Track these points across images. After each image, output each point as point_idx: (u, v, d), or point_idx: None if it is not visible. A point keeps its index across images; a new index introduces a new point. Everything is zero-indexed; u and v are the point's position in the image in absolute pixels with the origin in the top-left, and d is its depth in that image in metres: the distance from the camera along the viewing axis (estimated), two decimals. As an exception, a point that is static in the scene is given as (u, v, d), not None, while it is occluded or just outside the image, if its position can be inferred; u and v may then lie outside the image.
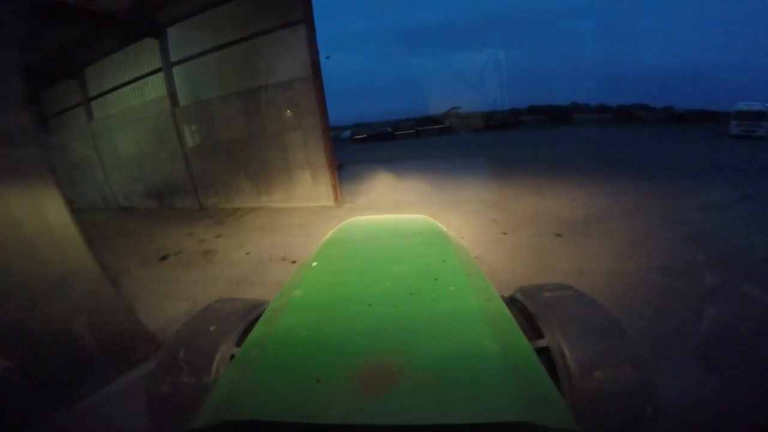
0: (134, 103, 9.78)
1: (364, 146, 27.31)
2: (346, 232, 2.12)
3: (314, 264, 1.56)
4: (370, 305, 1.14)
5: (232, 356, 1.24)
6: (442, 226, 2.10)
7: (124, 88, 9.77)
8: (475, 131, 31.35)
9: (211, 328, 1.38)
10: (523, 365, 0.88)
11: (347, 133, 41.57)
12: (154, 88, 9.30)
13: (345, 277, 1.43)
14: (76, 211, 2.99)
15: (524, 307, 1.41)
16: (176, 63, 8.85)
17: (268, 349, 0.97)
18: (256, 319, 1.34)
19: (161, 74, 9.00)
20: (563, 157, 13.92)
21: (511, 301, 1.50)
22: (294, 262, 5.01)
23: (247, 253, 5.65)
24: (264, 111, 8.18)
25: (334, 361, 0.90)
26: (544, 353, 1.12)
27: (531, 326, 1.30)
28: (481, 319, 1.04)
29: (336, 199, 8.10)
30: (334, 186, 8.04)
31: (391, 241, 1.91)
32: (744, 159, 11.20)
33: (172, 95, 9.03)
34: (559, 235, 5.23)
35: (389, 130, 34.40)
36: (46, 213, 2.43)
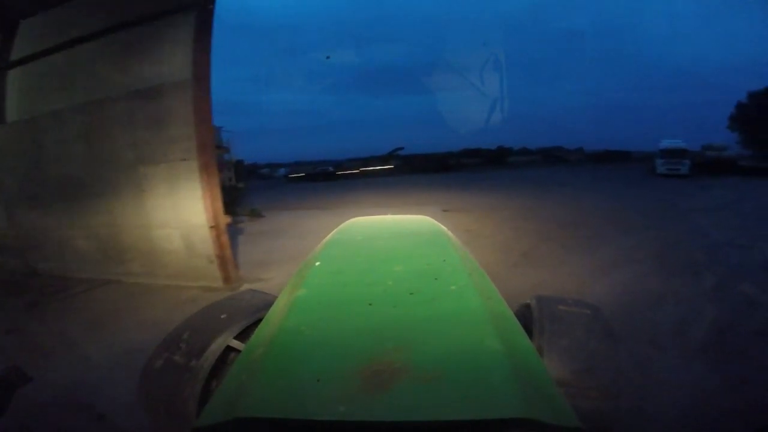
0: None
1: (300, 187, 24.34)
2: (348, 232, 2.17)
3: (317, 264, 1.58)
4: (370, 305, 1.16)
5: (228, 347, 1.41)
6: (443, 227, 2.14)
7: None
8: (417, 173, 30.26)
9: (222, 317, 1.53)
10: (524, 363, 0.90)
11: (283, 171, 38.50)
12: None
13: (346, 276, 1.44)
14: None
15: (530, 313, 1.52)
16: (14, 64, 5.80)
17: (273, 348, 0.98)
18: (262, 316, 1.35)
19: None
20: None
21: (525, 307, 1.62)
22: None
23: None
24: (114, 133, 5.10)
25: (338, 360, 0.91)
26: None
27: (528, 332, 1.25)
28: (482, 317, 1.05)
29: (226, 278, 5.01)
30: (221, 257, 4.94)
31: (391, 241, 1.93)
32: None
33: (-3, 109, 5.71)
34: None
35: (331, 169, 32.44)
36: None
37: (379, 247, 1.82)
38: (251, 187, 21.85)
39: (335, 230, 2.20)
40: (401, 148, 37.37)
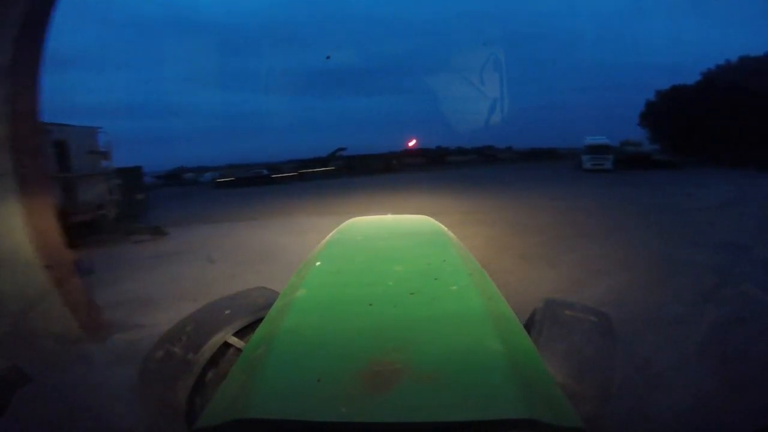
0: None
1: (227, 194, 21.57)
2: (348, 232, 2.15)
3: (317, 264, 1.57)
4: (371, 305, 1.15)
5: (225, 343, 1.40)
6: (443, 227, 2.14)
7: None
8: (360, 174, 28.98)
9: (226, 312, 1.54)
10: (526, 363, 0.90)
11: (209, 175, 34.55)
12: None
13: (347, 277, 1.43)
14: None
15: (533, 315, 1.55)
16: None
17: (273, 349, 0.96)
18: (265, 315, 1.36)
19: None
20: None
21: (534, 310, 1.62)
22: None
23: None
24: None
25: (339, 360, 0.90)
26: None
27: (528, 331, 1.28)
28: (483, 318, 1.04)
29: (85, 327, 3.43)
30: (69, 302, 3.35)
31: (392, 241, 1.91)
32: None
33: None
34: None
35: (265, 172, 29.75)
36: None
37: (379, 247, 1.80)
38: (167, 196, 18.75)
39: (335, 230, 2.18)
40: (343, 149, 35.71)
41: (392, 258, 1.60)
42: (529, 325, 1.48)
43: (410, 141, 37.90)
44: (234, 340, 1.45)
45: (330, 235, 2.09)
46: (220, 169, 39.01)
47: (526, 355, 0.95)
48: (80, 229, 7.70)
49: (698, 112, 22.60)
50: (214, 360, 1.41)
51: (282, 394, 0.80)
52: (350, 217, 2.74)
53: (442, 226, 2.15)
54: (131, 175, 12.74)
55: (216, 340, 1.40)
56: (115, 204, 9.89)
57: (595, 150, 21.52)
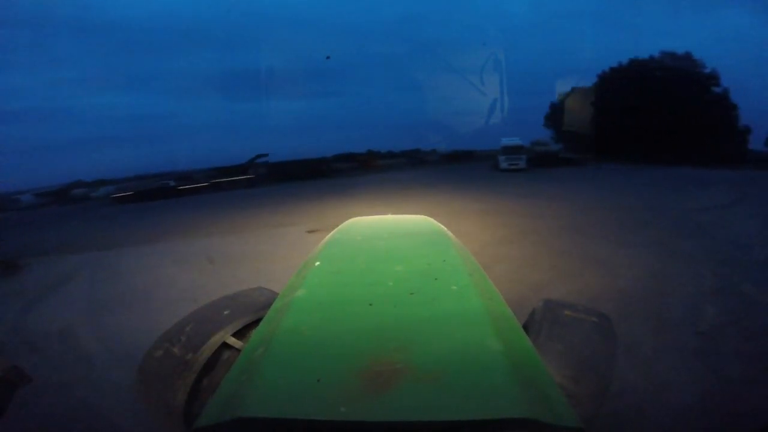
0: None
1: (123, 210, 18.30)
2: (348, 232, 2.15)
3: (317, 264, 1.56)
4: (371, 305, 1.15)
5: (224, 344, 1.40)
6: (443, 227, 2.16)
7: None
8: (285, 181, 27.16)
9: (225, 312, 1.53)
10: (525, 363, 0.90)
11: (105, 190, 29.45)
12: None
13: (347, 276, 1.43)
14: None
15: (532, 315, 1.56)
16: None
17: (272, 348, 0.96)
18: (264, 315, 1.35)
19: None
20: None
21: (533, 310, 1.62)
22: None
23: None
24: None
25: (338, 360, 0.90)
26: None
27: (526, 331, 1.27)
28: (482, 318, 1.05)
29: None
30: None
31: (392, 241, 1.90)
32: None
33: None
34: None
35: (171, 184, 26.20)
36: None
37: (379, 247, 1.79)
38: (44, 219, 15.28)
39: (335, 230, 2.19)
40: (265, 155, 33.26)
41: (392, 258, 1.59)
42: (528, 325, 1.48)
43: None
44: (233, 341, 1.43)
45: (330, 234, 2.10)
46: (125, 181, 34.19)
47: (525, 354, 0.95)
48: None
49: (595, 111, 25.66)
50: (213, 360, 1.38)
51: (281, 393, 0.80)
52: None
53: (442, 226, 2.16)
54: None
55: (214, 340, 1.38)
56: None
57: (510, 150, 22.96)
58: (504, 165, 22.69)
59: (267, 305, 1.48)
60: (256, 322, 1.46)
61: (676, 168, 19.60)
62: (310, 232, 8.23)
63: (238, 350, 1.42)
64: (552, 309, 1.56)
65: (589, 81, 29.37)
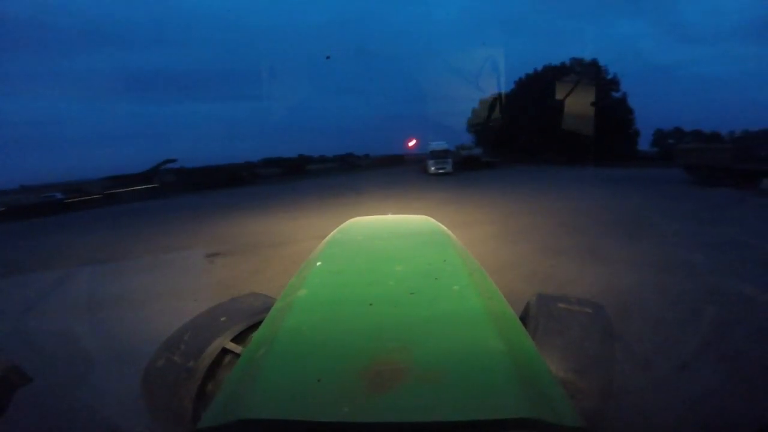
0: None
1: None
2: (348, 232, 2.13)
3: (318, 264, 1.58)
4: (371, 305, 1.15)
5: (224, 349, 1.41)
6: (444, 227, 2.15)
7: None
8: (196, 190, 24.39)
9: (222, 319, 1.55)
10: (526, 363, 0.90)
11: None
12: None
13: (347, 277, 1.44)
14: None
15: (528, 310, 1.55)
16: None
17: (274, 349, 0.96)
18: (261, 319, 1.37)
19: None
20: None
21: (527, 305, 1.62)
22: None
23: None
24: None
25: (340, 360, 0.90)
26: None
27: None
28: (483, 317, 1.05)
29: None
30: None
31: (392, 241, 1.92)
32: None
33: None
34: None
35: (58, 197, 21.96)
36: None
37: (379, 247, 1.80)
38: None
39: (336, 230, 2.18)
40: (172, 161, 29.54)
41: (393, 258, 1.60)
42: (524, 321, 1.44)
43: (410, 141, 32.69)
44: (232, 346, 1.44)
45: (330, 235, 2.09)
46: (10, 193, 27.92)
47: (527, 354, 0.94)
48: None
49: (510, 116, 27.56)
50: (215, 366, 1.38)
51: (283, 394, 0.80)
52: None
53: (443, 226, 2.17)
54: None
55: (214, 346, 1.39)
56: None
57: (438, 155, 23.50)
58: (432, 169, 23.15)
59: (263, 310, 1.52)
60: (253, 327, 1.49)
61: (580, 168, 21.74)
62: (210, 256, 6.91)
63: (238, 355, 1.41)
64: (546, 303, 1.54)
65: (508, 87, 31.66)
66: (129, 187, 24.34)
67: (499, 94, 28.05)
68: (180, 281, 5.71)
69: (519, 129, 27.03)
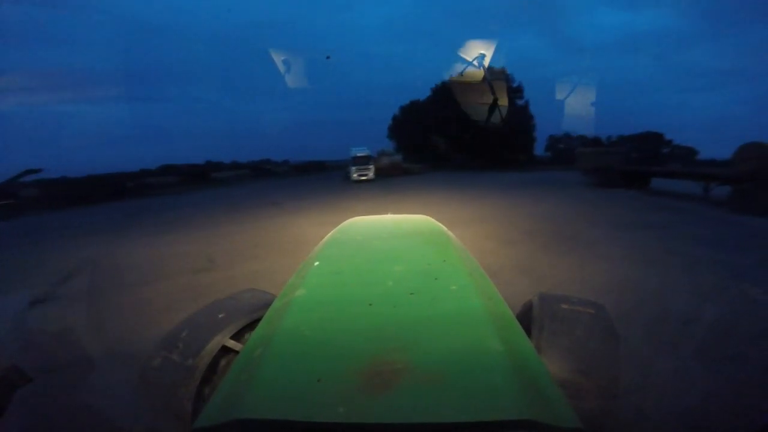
0: None
1: None
2: (347, 232, 2.13)
3: (316, 264, 1.56)
4: (370, 305, 1.15)
5: (224, 347, 1.39)
6: (443, 227, 2.15)
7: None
8: (66, 207, 19.58)
9: (220, 316, 1.51)
10: (525, 364, 0.89)
11: None
12: None
13: (346, 277, 1.43)
14: None
15: (530, 311, 1.50)
16: None
17: (272, 349, 0.96)
18: (261, 316, 1.36)
19: None
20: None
21: (527, 305, 1.59)
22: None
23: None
24: None
25: (338, 361, 0.89)
26: None
27: (525, 329, 1.26)
28: (482, 318, 1.05)
29: None
30: None
31: (391, 241, 1.91)
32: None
33: None
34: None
35: None
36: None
37: (378, 247, 1.79)
38: None
39: (335, 230, 2.17)
40: (35, 171, 23.24)
41: (392, 258, 1.59)
42: (527, 322, 1.43)
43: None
44: (232, 344, 1.42)
45: (329, 234, 2.08)
46: None
47: (525, 355, 0.93)
48: None
49: (428, 123, 28.02)
50: (214, 365, 1.37)
51: (281, 394, 0.80)
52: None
53: (442, 226, 2.16)
54: None
55: (214, 344, 1.37)
56: None
57: (360, 161, 22.56)
58: (354, 176, 22.12)
59: (262, 306, 1.51)
60: (252, 324, 1.45)
61: (495, 173, 22.94)
62: (35, 303, 4.59)
63: (238, 352, 1.36)
64: (549, 303, 1.51)
65: (424, 94, 32.36)
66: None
67: (418, 101, 28.49)
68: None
69: (436, 135, 27.70)
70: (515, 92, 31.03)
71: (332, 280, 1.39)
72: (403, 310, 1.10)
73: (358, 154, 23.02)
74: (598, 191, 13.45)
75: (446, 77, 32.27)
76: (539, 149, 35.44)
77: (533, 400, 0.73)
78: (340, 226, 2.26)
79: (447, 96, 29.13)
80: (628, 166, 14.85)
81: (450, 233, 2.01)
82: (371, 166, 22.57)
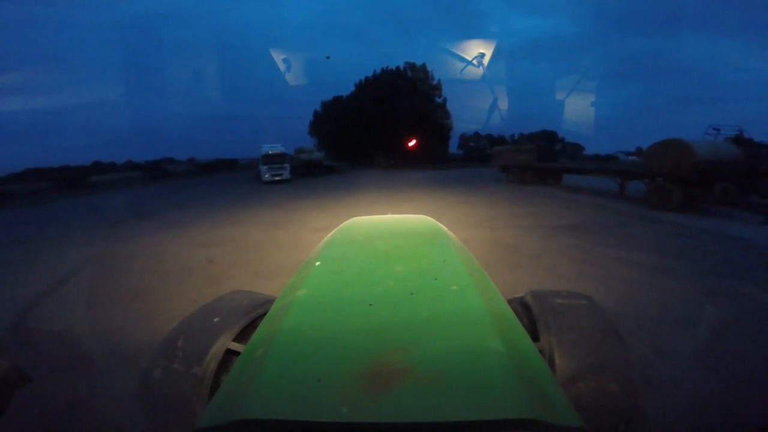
0: None
1: None
2: (348, 232, 2.13)
3: (317, 264, 1.57)
4: (371, 305, 1.15)
5: (228, 350, 1.34)
6: (443, 227, 2.16)
7: None
8: None
9: (215, 320, 1.45)
10: (526, 363, 0.89)
11: None
12: None
13: (347, 277, 1.43)
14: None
15: (528, 310, 1.48)
16: None
17: (273, 349, 0.95)
18: (261, 316, 1.39)
19: None
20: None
21: (519, 302, 1.58)
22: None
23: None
24: None
25: (339, 361, 0.89)
26: None
27: (531, 328, 1.32)
28: (483, 317, 1.05)
29: None
30: None
31: (392, 241, 1.90)
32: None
33: None
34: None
35: None
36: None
37: (379, 247, 1.79)
38: None
39: (335, 230, 2.18)
40: None
41: (392, 258, 1.59)
42: (526, 321, 1.44)
43: (410, 141, 29.23)
44: (235, 346, 1.38)
45: (330, 234, 2.08)
46: None
47: (526, 354, 0.94)
48: None
49: (349, 119, 26.72)
50: (221, 369, 1.33)
51: (282, 394, 0.79)
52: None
53: (442, 226, 2.16)
54: None
55: (218, 348, 1.32)
56: None
57: (273, 159, 20.17)
58: (266, 176, 19.59)
59: (254, 306, 1.52)
60: (252, 324, 1.44)
61: (417, 170, 22.67)
62: None
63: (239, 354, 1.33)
64: (545, 299, 1.49)
65: (348, 89, 30.81)
66: None
67: (340, 97, 26.99)
68: None
69: (359, 131, 26.53)
70: (434, 89, 31.40)
71: (333, 280, 1.38)
72: (403, 310, 1.10)
73: (271, 152, 20.57)
74: (520, 188, 13.72)
75: (370, 74, 31.39)
76: (453, 147, 36.84)
77: (535, 399, 0.73)
78: (340, 226, 2.27)
79: (370, 91, 28.13)
80: (541, 164, 15.56)
81: (450, 233, 2.02)
82: (287, 165, 20.32)
